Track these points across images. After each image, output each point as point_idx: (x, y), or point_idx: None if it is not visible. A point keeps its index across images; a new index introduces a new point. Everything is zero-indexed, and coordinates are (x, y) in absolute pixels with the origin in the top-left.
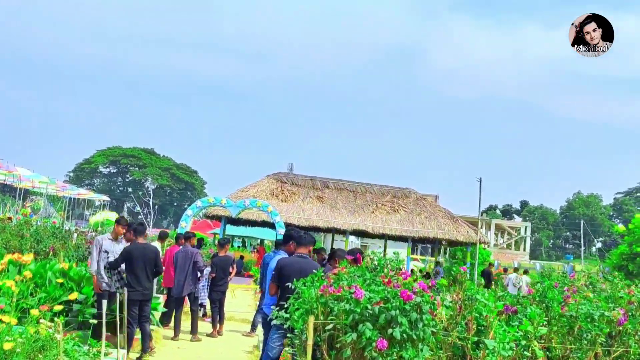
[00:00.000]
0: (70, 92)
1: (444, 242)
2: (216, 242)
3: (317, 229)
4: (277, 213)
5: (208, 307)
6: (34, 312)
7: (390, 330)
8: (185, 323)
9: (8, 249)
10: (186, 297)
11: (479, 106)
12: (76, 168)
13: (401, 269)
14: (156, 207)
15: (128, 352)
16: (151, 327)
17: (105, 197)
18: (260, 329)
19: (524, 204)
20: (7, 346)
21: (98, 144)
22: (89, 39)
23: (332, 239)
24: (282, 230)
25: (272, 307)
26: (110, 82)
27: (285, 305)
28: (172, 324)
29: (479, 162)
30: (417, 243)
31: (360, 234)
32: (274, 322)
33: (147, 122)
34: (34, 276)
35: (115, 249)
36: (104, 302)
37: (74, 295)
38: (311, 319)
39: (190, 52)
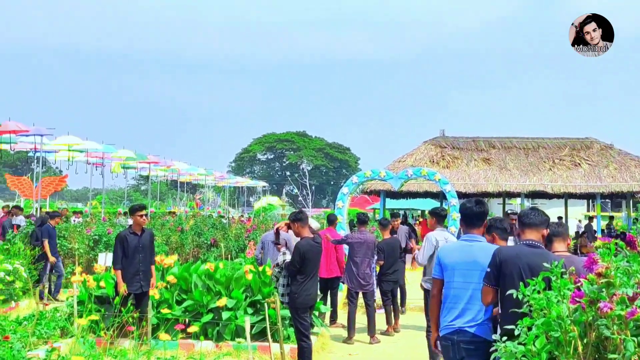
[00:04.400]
0: (221, 87)
1: (638, 196)
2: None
3: (487, 195)
4: (447, 181)
5: (377, 297)
6: (164, 336)
7: None
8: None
9: (169, 244)
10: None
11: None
12: (236, 158)
13: None
14: (313, 187)
15: None
16: (316, 329)
17: (263, 183)
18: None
19: None
20: None
21: (254, 132)
22: (231, 34)
23: (504, 204)
24: (454, 201)
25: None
26: (256, 73)
27: (517, 332)
28: (338, 321)
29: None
30: (604, 199)
31: (537, 195)
32: (495, 354)
33: (296, 106)
34: (178, 281)
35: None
36: (246, 321)
37: (222, 302)
38: None
39: (326, 31)
